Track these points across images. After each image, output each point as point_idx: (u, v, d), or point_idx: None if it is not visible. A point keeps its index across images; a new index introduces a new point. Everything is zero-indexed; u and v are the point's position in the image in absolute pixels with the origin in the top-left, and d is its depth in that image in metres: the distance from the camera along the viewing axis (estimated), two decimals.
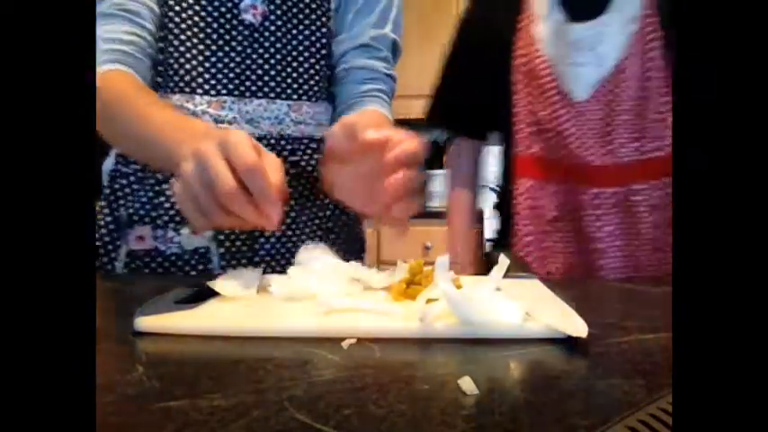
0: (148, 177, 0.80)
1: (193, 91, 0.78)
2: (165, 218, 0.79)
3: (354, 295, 0.53)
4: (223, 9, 0.79)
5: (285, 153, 0.82)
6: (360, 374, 0.35)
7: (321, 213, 0.87)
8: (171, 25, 0.78)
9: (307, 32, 0.83)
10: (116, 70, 0.72)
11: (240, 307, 0.49)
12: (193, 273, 0.79)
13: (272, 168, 0.49)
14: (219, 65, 0.79)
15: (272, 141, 0.81)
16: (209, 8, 0.79)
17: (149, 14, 0.77)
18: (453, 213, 1.18)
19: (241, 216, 0.49)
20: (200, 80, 0.78)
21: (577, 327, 0.41)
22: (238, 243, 0.80)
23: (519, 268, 0.64)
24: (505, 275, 0.61)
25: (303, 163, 0.84)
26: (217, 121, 0.78)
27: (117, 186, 0.82)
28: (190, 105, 0.78)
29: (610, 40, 0.93)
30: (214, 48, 0.79)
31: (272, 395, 0.31)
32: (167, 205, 0.79)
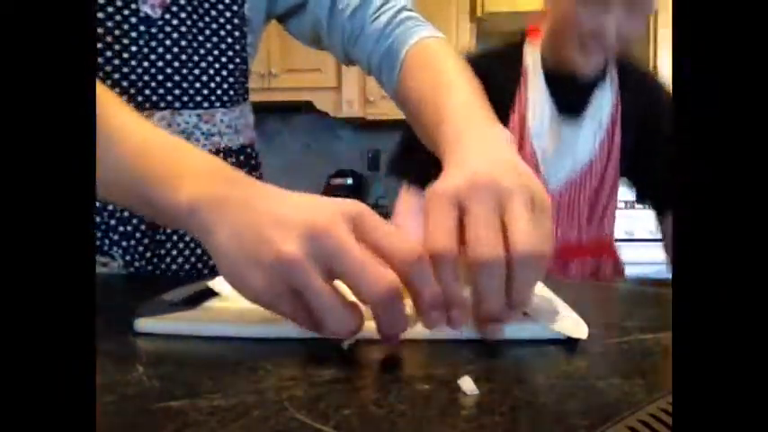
0: None
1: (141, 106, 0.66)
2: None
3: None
4: (120, 1, 0.64)
5: None
6: (360, 374, 0.35)
7: None
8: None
9: (215, 25, 0.69)
10: None
11: (240, 307, 0.49)
12: None
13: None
14: (108, 68, 0.63)
15: None
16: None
17: None
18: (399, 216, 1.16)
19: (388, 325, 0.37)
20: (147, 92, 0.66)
21: (577, 327, 0.41)
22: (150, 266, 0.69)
23: None
24: None
25: None
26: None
27: None
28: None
29: (585, 142, 1.09)
30: (101, 47, 0.62)
31: (272, 395, 0.31)
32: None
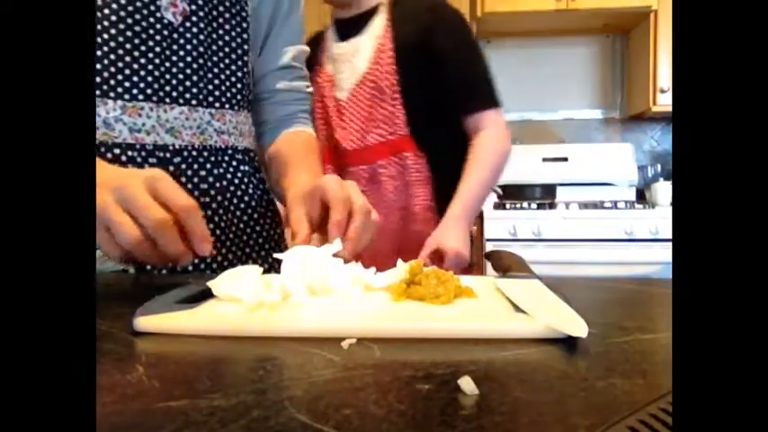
0: None
1: (105, 94, 0.70)
2: None
3: (355, 296, 0.53)
4: (140, 5, 0.72)
5: (209, 165, 0.77)
6: (360, 374, 0.35)
7: (252, 225, 0.84)
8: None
9: (228, 37, 0.79)
10: None
11: (240, 307, 0.49)
12: None
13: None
14: (135, 66, 0.72)
15: (194, 153, 0.76)
16: (127, 4, 0.71)
17: None
18: None
19: (166, 249, 0.52)
20: (112, 82, 0.71)
21: (577, 327, 0.41)
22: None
23: (519, 268, 0.64)
24: (505, 275, 0.61)
25: (229, 175, 0.80)
26: (132, 130, 0.72)
27: None
28: (102, 111, 0.70)
29: (361, 55, 1.38)
30: (129, 47, 0.71)
31: (272, 395, 0.31)
32: None
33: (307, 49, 0.95)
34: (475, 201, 1.31)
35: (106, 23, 0.70)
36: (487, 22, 2.59)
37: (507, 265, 0.65)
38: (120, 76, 0.71)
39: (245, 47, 0.81)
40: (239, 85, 0.81)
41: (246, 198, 0.83)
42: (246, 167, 0.83)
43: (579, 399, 0.31)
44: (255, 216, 0.84)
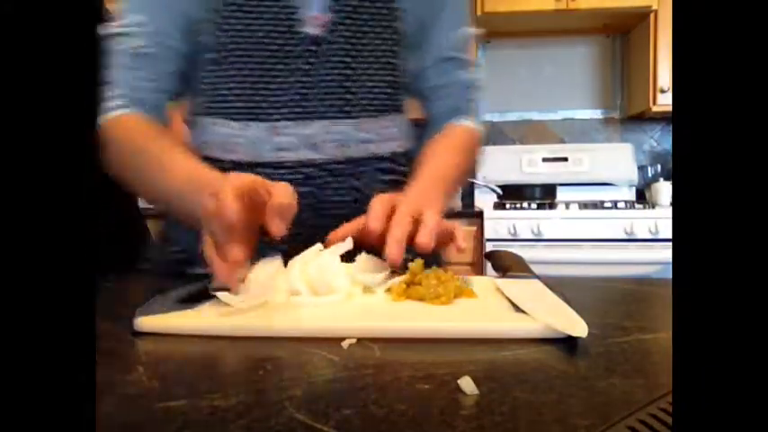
0: None
1: (250, 118, 0.71)
2: None
3: (355, 296, 0.53)
4: (280, 22, 0.70)
5: (352, 179, 0.75)
6: (360, 374, 0.35)
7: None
8: (223, 50, 0.71)
9: (375, 41, 0.74)
10: (127, 114, 0.69)
11: (240, 307, 0.49)
12: None
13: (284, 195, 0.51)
14: (276, 87, 0.71)
15: (337, 166, 0.74)
16: (265, 24, 0.70)
17: (166, 53, 0.71)
18: None
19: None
20: (255, 106, 0.71)
21: (577, 327, 0.41)
22: None
23: (519, 268, 0.64)
24: (505, 275, 0.61)
25: (368, 186, 0.76)
26: (276, 149, 0.72)
27: None
28: (248, 134, 0.72)
29: None
30: (270, 69, 0.71)
31: (272, 395, 0.31)
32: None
33: (472, 31, 0.84)
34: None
35: (245, 47, 0.70)
36: (487, 22, 2.59)
37: (507, 265, 0.65)
38: (262, 100, 0.71)
39: (395, 48, 0.77)
40: (386, 89, 0.77)
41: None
42: (387, 176, 0.78)
43: (579, 399, 0.31)
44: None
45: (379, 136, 0.77)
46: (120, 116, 0.69)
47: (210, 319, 0.46)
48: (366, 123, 0.76)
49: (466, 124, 0.82)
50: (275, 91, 0.71)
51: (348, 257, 0.58)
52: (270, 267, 0.55)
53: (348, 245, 0.58)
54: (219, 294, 0.53)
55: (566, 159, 2.78)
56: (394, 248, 0.53)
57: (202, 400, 0.31)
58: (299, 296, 0.51)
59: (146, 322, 0.45)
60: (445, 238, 0.59)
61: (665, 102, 2.55)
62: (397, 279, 0.54)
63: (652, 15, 2.57)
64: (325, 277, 0.53)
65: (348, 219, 0.69)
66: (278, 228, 0.50)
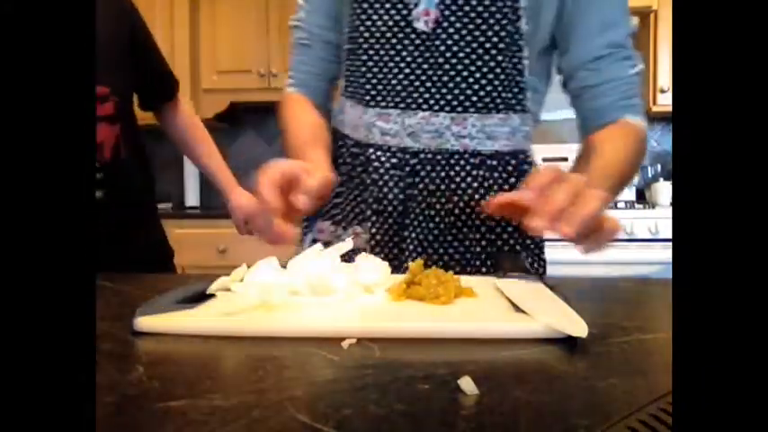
0: (336, 174, 0.82)
1: (367, 103, 0.80)
2: (339, 216, 0.84)
3: (355, 296, 0.53)
4: (397, 17, 0.77)
5: (442, 170, 0.78)
6: (360, 374, 0.35)
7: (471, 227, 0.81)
8: (360, 39, 0.79)
9: (482, 39, 0.76)
10: (294, 93, 0.87)
11: (240, 307, 0.49)
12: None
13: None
14: (389, 76, 0.78)
15: (429, 156, 0.78)
16: (386, 17, 0.77)
17: (321, 45, 0.86)
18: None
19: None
20: (373, 92, 0.79)
21: (577, 327, 0.41)
22: (386, 250, 0.80)
23: (519, 268, 0.64)
24: (505, 275, 0.61)
25: (458, 179, 0.78)
26: (383, 133, 0.79)
27: None
28: (365, 117, 0.80)
29: None
30: (386, 58, 0.78)
31: (272, 395, 0.31)
32: (342, 205, 0.84)
33: (632, 24, 0.83)
34: None
35: (369, 38, 0.78)
36: None
37: (507, 266, 0.65)
38: (379, 87, 0.79)
39: (514, 47, 0.77)
40: (489, 88, 0.78)
41: (471, 203, 0.81)
42: (482, 172, 0.79)
43: (579, 399, 0.31)
44: (476, 223, 0.81)
45: (482, 133, 0.79)
46: (289, 93, 0.87)
47: (210, 319, 0.46)
48: (467, 119, 0.78)
49: (629, 121, 0.80)
50: (388, 80, 0.78)
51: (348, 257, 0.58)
52: (269, 267, 0.55)
53: (348, 245, 0.58)
54: (219, 294, 0.53)
55: (566, 159, 2.78)
56: (539, 221, 0.51)
57: (202, 400, 0.31)
58: (299, 296, 0.51)
59: (146, 322, 0.45)
60: (596, 230, 0.55)
61: (665, 102, 2.55)
62: (397, 279, 0.54)
63: (652, 15, 2.57)
64: (325, 277, 0.53)
65: (434, 207, 0.78)
66: (300, 202, 0.57)
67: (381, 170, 0.79)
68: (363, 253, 0.60)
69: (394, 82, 0.78)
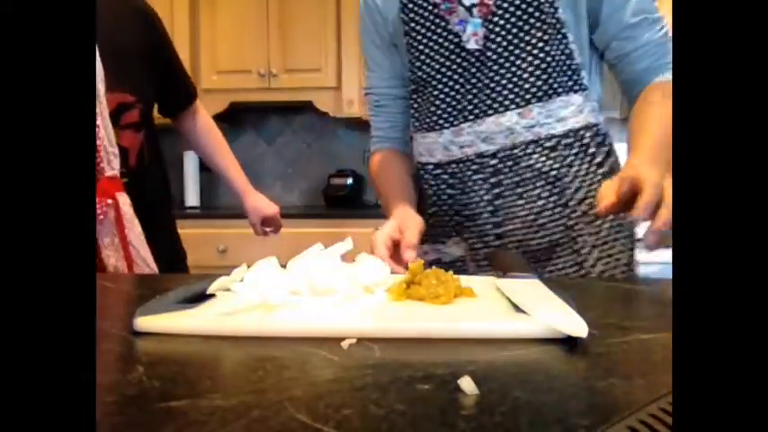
0: (425, 200, 0.94)
1: (441, 127, 0.89)
2: (437, 234, 0.93)
3: (355, 296, 0.53)
4: (450, 46, 0.87)
5: (521, 160, 0.86)
6: (360, 374, 0.35)
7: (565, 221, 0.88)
8: (422, 75, 0.90)
9: (528, 37, 0.85)
10: (380, 151, 1.00)
11: (240, 307, 0.49)
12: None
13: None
14: (458, 97, 0.88)
15: (507, 153, 0.86)
16: (441, 50, 0.88)
17: (392, 101, 0.99)
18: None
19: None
20: (444, 116, 0.89)
21: (577, 327, 0.41)
22: (483, 251, 0.90)
23: (519, 268, 0.64)
24: (505, 275, 0.61)
25: (539, 165, 0.86)
26: (459, 147, 0.88)
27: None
28: (440, 140, 0.89)
29: None
30: (450, 83, 0.88)
31: (272, 395, 0.31)
32: (437, 224, 0.93)
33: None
34: None
35: (429, 71, 0.88)
36: None
37: (507, 265, 0.65)
38: (444, 110, 0.88)
39: (559, 36, 0.85)
40: (545, 76, 0.85)
41: (547, 188, 0.88)
42: (560, 152, 0.87)
43: (579, 399, 0.31)
44: (556, 203, 0.88)
45: (550, 118, 0.86)
46: (375, 152, 1.02)
47: (210, 319, 0.46)
48: (533, 110, 0.86)
49: (666, 79, 0.86)
50: (457, 100, 0.88)
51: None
52: (269, 268, 0.55)
53: (348, 245, 0.58)
54: (219, 294, 0.53)
55: None
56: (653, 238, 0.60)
57: (202, 400, 0.31)
58: (298, 296, 0.51)
59: (146, 322, 0.45)
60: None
61: None
62: (397, 279, 0.54)
63: None
64: (325, 277, 0.53)
65: (521, 197, 0.87)
66: (410, 258, 0.72)
67: (465, 179, 0.89)
68: (363, 253, 0.60)
69: (459, 98, 0.88)
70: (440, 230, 0.93)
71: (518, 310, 0.47)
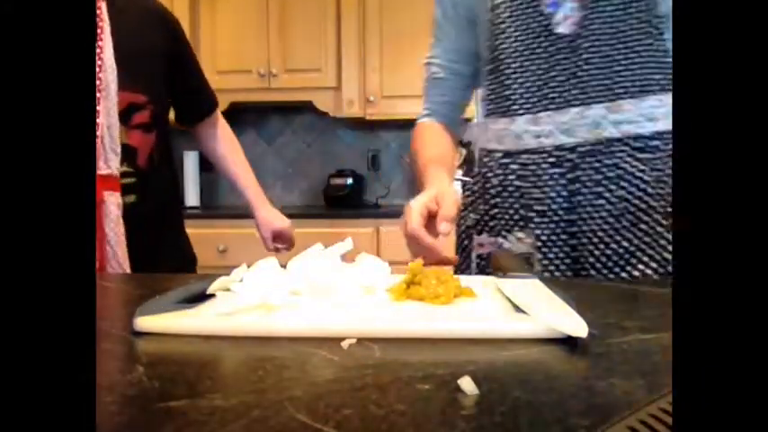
0: (484, 193, 0.90)
1: (515, 113, 0.84)
2: (498, 227, 0.87)
3: (355, 296, 0.53)
4: (538, 29, 0.82)
5: (602, 158, 0.80)
6: (360, 374, 0.35)
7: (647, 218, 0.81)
8: (501, 56, 0.85)
9: (625, 28, 0.80)
10: (425, 121, 0.96)
11: (240, 307, 0.49)
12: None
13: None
14: (539, 82, 0.82)
15: (587, 148, 0.80)
16: (528, 31, 0.82)
17: (454, 77, 0.95)
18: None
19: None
20: (521, 101, 0.83)
21: (577, 327, 0.41)
22: (555, 249, 0.83)
23: (519, 268, 0.64)
24: (505, 275, 0.61)
25: (624, 165, 0.80)
26: (535, 136, 0.83)
27: (465, 202, 0.93)
28: (513, 127, 0.84)
29: None
30: (533, 67, 0.82)
31: (272, 395, 0.31)
32: (499, 216, 0.87)
33: None
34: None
35: (513, 52, 0.83)
36: None
37: (507, 266, 0.65)
38: (522, 95, 0.83)
39: (655, 31, 0.80)
40: (640, 71, 0.80)
41: (630, 190, 0.82)
42: (646, 155, 0.81)
43: (579, 399, 0.31)
44: (638, 207, 0.82)
45: (641, 116, 0.81)
46: (422, 122, 0.97)
47: (210, 319, 0.46)
48: (624, 105, 0.80)
49: None
50: (538, 86, 0.82)
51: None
52: (269, 268, 0.55)
53: (348, 245, 0.58)
54: (219, 294, 0.53)
55: None
56: None
57: (202, 400, 0.31)
58: (298, 296, 0.51)
59: (146, 322, 0.45)
60: None
61: None
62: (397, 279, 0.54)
63: None
64: (325, 277, 0.53)
65: (601, 196, 0.81)
66: (446, 230, 0.68)
67: (539, 172, 0.82)
68: (363, 253, 0.60)
69: (540, 84, 0.82)
70: (502, 222, 0.87)
71: (518, 310, 0.47)
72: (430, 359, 0.38)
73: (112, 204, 1.01)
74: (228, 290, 0.53)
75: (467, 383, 0.32)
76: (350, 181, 2.74)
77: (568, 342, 0.41)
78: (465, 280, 0.57)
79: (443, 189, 0.74)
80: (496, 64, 0.86)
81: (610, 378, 0.34)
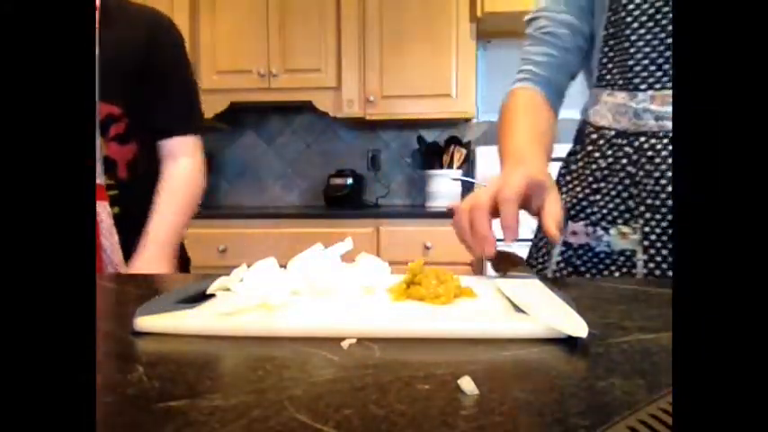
0: (588, 175, 0.79)
1: (636, 87, 0.73)
2: (598, 215, 0.77)
3: (355, 296, 0.53)
4: None
5: None
6: (360, 374, 0.35)
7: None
8: (627, 18, 0.74)
9: None
10: (523, 87, 0.82)
11: (240, 307, 0.49)
12: (617, 274, 0.73)
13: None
14: (666, 55, 0.71)
15: None
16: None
17: (568, 34, 0.80)
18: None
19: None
20: (644, 74, 0.73)
21: (577, 327, 0.41)
22: (664, 251, 0.71)
23: (519, 268, 0.64)
24: (505, 275, 0.61)
25: None
26: (657, 118, 0.73)
27: (560, 181, 0.83)
28: (632, 103, 0.74)
29: None
30: (662, 35, 0.71)
31: (272, 395, 0.31)
32: (602, 203, 0.76)
33: None
34: (169, 245, 1.14)
35: (635, 13, 0.72)
36: (487, 21, 2.59)
37: (507, 265, 0.65)
38: (646, 67, 0.72)
39: None
40: None
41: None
42: None
43: (579, 399, 0.31)
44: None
45: None
46: (518, 88, 0.83)
47: (210, 319, 0.46)
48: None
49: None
50: (663, 56, 0.72)
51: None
52: (269, 268, 0.55)
53: (348, 245, 0.58)
54: (219, 294, 0.53)
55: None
56: None
57: (202, 400, 0.31)
58: (298, 296, 0.51)
59: (146, 322, 0.45)
60: None
61: None
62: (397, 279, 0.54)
63: None
64: (325, 277, 0.53)
65: None
66: (553, 233, 0.61)
67: (657, 159, 0.72)
68: (363, 253, 0.60)
69: (668, 56, 0.71)
70: (604, 212, 0.76)
71: (518, 310, 0.47)
72: (430, 359, 0.38)
73: (104, 213, 1.01)
74: (228, 290, 0.53)
75: (467, 383, 0.32)
76: (350, 181, 2.74)
77: (568, 342, 0.41)
78: (465, 280, 0.57)
79: (540, 177, 0.64)
80: (616, 29, 0.75)
81: (610, 378, 0.34)
